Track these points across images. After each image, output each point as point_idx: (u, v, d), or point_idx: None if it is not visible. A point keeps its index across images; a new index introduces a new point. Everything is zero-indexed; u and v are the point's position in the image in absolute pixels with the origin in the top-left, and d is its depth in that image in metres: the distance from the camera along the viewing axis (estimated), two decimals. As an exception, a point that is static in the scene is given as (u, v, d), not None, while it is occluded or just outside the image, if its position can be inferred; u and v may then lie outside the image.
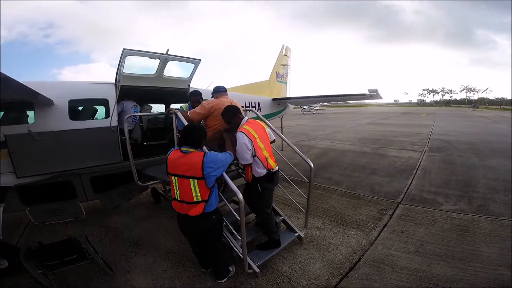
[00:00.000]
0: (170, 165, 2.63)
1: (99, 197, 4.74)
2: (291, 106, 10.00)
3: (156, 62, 4.46)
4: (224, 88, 3.89)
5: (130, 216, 5.01)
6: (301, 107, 44.27)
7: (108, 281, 3.12)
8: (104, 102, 4.36)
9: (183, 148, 2.62)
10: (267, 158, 3.08)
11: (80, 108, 4.77)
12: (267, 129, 3.43)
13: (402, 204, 5.04)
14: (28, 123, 3.86)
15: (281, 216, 3.86)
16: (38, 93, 3.37)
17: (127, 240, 4.10)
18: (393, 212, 4.67)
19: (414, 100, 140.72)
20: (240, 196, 2.63)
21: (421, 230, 4.00)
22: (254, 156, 3.01)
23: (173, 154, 2.66)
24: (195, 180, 2.50)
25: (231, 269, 3.09)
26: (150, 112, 6.28)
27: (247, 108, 5.83)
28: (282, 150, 6.61)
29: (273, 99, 8.59)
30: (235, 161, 3.28)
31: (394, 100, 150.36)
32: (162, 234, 4.19)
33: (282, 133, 10.13)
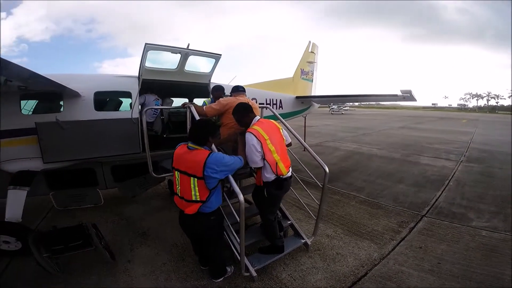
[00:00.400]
0: (176, 159, 2.61)
1: (118, 185, 4.96)
2: (315, 105, 9.67)
3: (178, 56, 4.52)
4: (242, 87, 3.87)
5: (145, 206, 5.16)
6: (329, 106, 42.84)
7: (109, 268, 3.21)
8: (127, 95, 4.52)
9: (190, 144, 2.58)
10: (277, 162, 2.84)
11: (106, 100, 5.01)
12: (283, 131, 3.15)
13: (427, 217, 4.64)
14: (58, 112, 4.13)
15: (289, 220, 3.73)
16: (65, 86, 3.61)
17: (136, 230, 4.21)
18: (415, 225, 4.32)
19: (455, 105, 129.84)
20: (241, 197, 2.53)
21: (442, 247, 3.65)
22: (263, 159, 2.81)
23: (180, 149, 2.63)
24: (195, 179, 2.44)
25: (228, 269, 3.03)
26: (171, 105, 6.42)
27: (265, 105, 5.70)
28: (304, 150, 6.40)
29: (297, 97, 8.36)
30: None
31: (432, 104, 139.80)
32: (171, 226, 4.22)
33: (304, 133, 9.82)
